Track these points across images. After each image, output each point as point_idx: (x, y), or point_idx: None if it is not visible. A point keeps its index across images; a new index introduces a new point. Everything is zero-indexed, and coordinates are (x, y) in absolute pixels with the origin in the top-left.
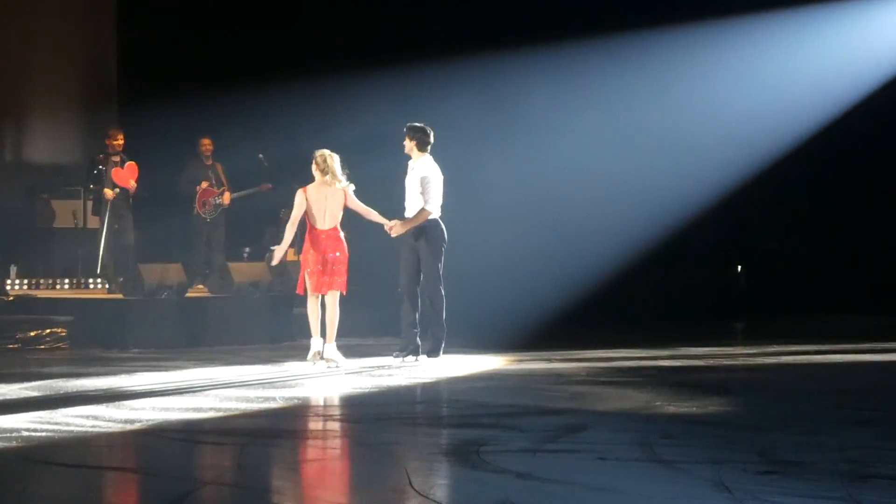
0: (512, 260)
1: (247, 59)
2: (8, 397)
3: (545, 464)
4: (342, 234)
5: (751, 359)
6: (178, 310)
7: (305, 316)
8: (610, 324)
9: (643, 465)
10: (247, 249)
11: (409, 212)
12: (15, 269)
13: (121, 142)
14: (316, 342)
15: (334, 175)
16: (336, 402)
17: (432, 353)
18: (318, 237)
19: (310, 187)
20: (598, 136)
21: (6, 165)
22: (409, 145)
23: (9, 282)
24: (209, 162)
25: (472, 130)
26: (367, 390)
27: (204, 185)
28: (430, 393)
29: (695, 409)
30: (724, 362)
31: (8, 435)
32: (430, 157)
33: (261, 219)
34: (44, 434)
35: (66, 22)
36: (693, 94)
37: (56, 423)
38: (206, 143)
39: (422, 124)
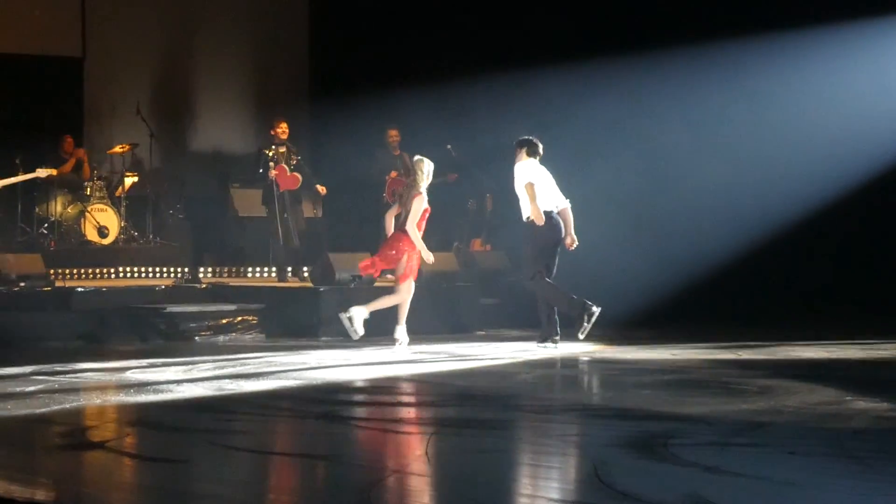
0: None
1: (436, 53)
2: (200, 383)
3: (734, 457)
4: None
5: None
6: (367, 299)
7: (491, 307)
8: (793, 318)
9: (833, 460)
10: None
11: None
12: (209, 256)
13: (285, 130)
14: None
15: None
16: (519, 392)
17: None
18: (401, 235)
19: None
20: (749, 128)
21: (199, 156)
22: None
23: (202, 269)
24: (396, 152)
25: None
26: (546, 381)
27: (393, 174)
28: (613, 384)
29: (885, 404)
30: None
31: (196, 421)
32: (533, 161)
33: (448, 209)
34: (233, 421)
35: (261, 21)
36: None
37: (245, 411)
38: (394, 134)
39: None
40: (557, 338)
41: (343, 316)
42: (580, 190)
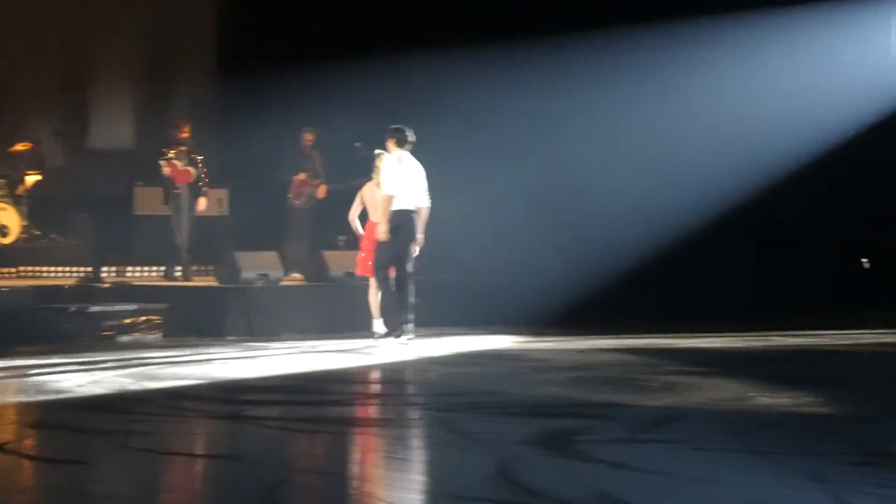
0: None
1: (348, 49)
2: (103, 384)
3: (639, 454)
4: None
5: (846, 349)
6: (273, 298)
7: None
8: (701, 314)
9: (737, 455)
10: (342, 238)
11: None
12: (111, 256)
13: (186, 131)
14: (379, 323)
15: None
16: (426, 390)
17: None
18: (371, 228)
19: (365, 187)
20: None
21: (102, 154)
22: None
23: (105, 269)
24: (308, 153)
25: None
26: (454, 378)
27: (302, 176)
28: (520, 382)
29: (788, 399)
30: (819, 352)
31: (98, 421)
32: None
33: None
34: (138, 421)
35: (164, 20)
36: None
37: (152, 412)
38: (309, 137)
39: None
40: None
41: (382, 341)
42: (499, 190)
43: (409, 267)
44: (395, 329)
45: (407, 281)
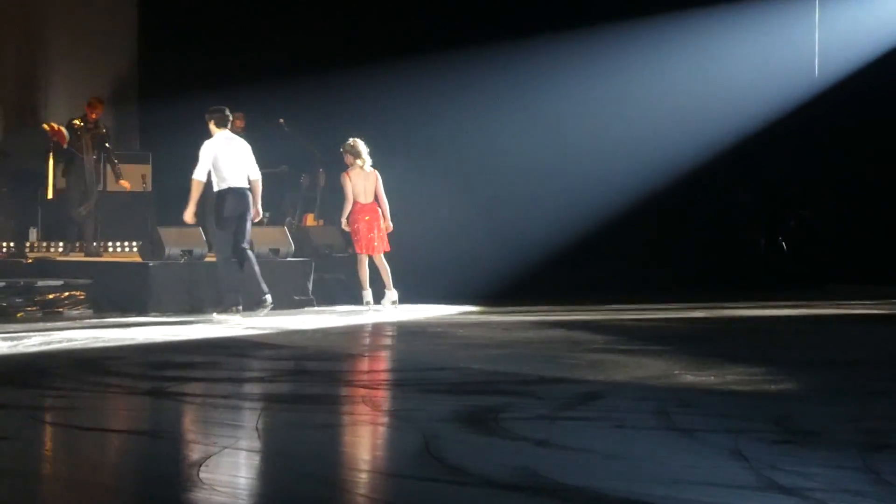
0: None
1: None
2: (26, 360)
3: (562, 431)
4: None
5: (767, 327)
6: (197, 274)
7: (327, 281)
8: (629, 292)
9: (660, 433)
10: (266, 214)
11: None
12: (35, 231)
13: (96, 107)
14: (368, 293)
15: (364, 159)
16: (350, 367)
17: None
18: (363, 210)
19: (351, 172)
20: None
21: (27, 127)
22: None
23: (28, 244)
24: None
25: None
26: (378, 356)
27: None
28: (446, 359)
29: (712, 377)
30: (744, 329)
31: (26, 399)
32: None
33: (281, 184)
34: (63, 398)
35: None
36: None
37: (74, 387)
38: (239, 117)
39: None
40: (239, 308)
41: (389, 307)
42: (433, 175)
43: (245, 242)
44: (257, 304)
45: (247, 254)
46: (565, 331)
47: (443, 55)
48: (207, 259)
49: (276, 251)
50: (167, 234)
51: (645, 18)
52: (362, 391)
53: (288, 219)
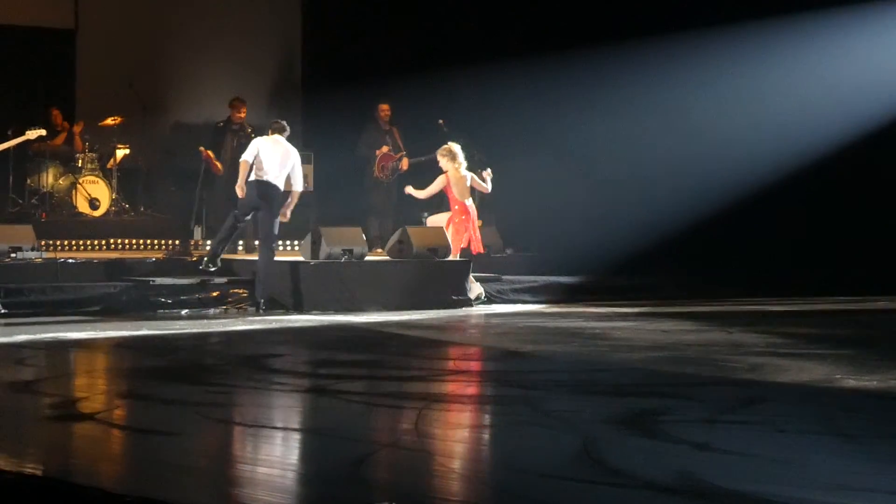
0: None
1: (430, 32)
2: (192, 357)
3: (723, 435)
4: None
5: None
6: (356, 272)
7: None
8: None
9: (824, 438)
10: (425, 214)
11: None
12: (200, 229)
13: (243, 115)
14: (477, 286)
15: (460, 162)
16: (511, 367)
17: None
18: (459, 211)
19: (450, 175)
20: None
21: (190, 128)
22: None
23: (192, 242)
24: (386, 127)
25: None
26: (531, 356)
27: (384, 149)
28: (605, 360)
29: (876, 382)
30: None
31: (193, 395)
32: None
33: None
34: (227, 394)
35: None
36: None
37: (238, 384)
38: (385, 109)
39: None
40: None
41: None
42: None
43: (263, 239)
44: (210, 259)
45: (262, 251)
46: (726, 333)
47: (580, 53)
48: (367, 258)
49: (434, 251)
50: (328, 233)
51: (775, 17)
52: (521, 391)
53: (425, 214)
